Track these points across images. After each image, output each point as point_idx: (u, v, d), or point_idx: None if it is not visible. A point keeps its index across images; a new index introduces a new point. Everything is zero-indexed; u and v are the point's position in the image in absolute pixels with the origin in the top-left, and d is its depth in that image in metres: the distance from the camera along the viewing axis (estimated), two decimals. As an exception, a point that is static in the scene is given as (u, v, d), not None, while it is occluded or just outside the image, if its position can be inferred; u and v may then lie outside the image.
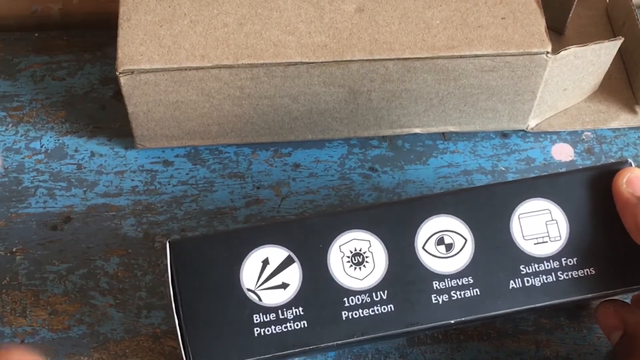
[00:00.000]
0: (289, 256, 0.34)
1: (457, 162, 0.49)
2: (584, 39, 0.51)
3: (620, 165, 0.37)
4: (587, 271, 0.35)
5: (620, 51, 0.52)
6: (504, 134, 0.50)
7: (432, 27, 0.45)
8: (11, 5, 0.54)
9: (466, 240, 0.35)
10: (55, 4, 0.55)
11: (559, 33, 0.53)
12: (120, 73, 0.43)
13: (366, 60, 0.44)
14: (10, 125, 0.50)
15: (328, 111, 0.47)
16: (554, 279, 0.35)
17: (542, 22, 0.45)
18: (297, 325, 0.33)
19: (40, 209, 0.46)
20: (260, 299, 0.34)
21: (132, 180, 0.47)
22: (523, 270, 0.35)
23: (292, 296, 0.34)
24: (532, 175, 0.48)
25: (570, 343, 0.42)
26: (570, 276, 0.35)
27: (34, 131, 0.49)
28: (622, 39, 0.47)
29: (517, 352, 0.42)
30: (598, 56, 0.47)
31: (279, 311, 0.34)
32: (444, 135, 0.50)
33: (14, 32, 0.54)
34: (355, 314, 0.34)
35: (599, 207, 0.36)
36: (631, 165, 0.37)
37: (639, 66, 0.50)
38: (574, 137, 0.50)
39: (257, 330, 0.33)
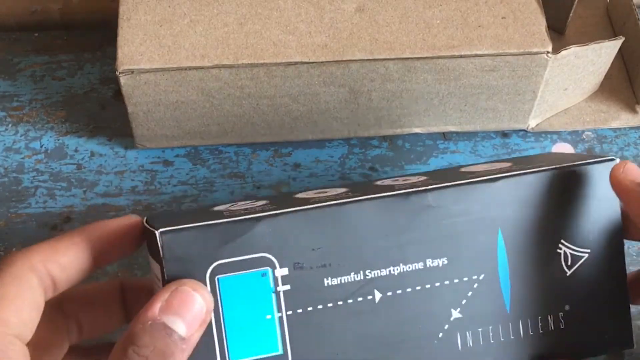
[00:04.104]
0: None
1: (457, 162, 0.49)
2: (584, 39, 0.51)
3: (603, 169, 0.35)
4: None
5: (620, 51, 0.52)
6: (505, 134, 0.50)
7: (433, 26, 0.45)
8: (11, 5, 0.54)
9: None
10: (55, 4, 0.55)
11: (560, 33, 0.53)
12: (120, 73, 0.43)
13: (366, 60, 0.44)
14: (10, 125, 0.50)
15: (328, 111, 0.47)
16: None
17: (542, 22, 0.45)
18: (263, 204, 0.33)
19: (40, 209, 0.46)
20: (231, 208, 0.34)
21: (132, 180, 0.47)
22: None
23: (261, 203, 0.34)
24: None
25: (571, 343, 0.42)
26: None
27: (34, 131, 0.49)
28: (623, 39, 0.47)
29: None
30: (598, 56, 0.47)
31: (247, 206, 0.34)
32: (444, 135, 0.50)
33: (14, 32, 0.54)
34: (318, 197, 0.34)
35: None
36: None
37: (639, 66, 0.50)
38: (574, 137, 0.50)
39: (225, 213, 0.33)
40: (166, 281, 0.31)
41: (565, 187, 0.35)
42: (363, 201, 0.33)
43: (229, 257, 0.31)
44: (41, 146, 0.49)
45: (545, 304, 0.34)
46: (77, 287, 0.32)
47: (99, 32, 0.54)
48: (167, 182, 0.47)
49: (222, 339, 0.31)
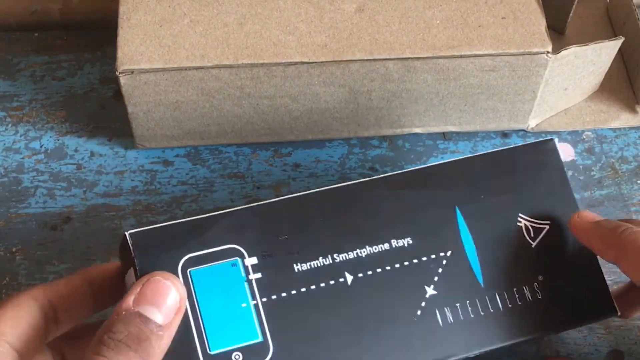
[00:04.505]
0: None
1: (457, 162, 0.49)
2: (584, 39, 0.51)
3: (544, 147, 0.38)
4: None
5: (620, 51, 0.52)
6: (505, 134, 0.50)
7: (433, 26, 0.45)
8: (11, 5, 0.54)
9: None
10: (55, 4, 0.55)
11: (560, 33, 0.53)
12: (120, 73, 0.43)
13: (366, 60, 0.44)
14: (10, 125, 0.50)
15: (328, 111, 0.47)
16: None
17: (542, 22, 0.45)
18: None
19: (40, 209, 0.46)
20: None
21: (132, 180, 0.47)
22: None
23: None
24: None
25: (571, 343, 0.42)
26: None
27: (34, 131, 0.49)
28: (623, 39, 0.47)
29: (517, 352, 0.42)
30: (598, 56, 0.47)
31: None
32: (444, 135, 0.50)
33: (14, 32, 0.54)
34: None
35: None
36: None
37: (639, 66, 0.50)
38: (574, 137, 0.50)
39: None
40: (139, 277, 0.31)
41: (512, 167, 0.37)
42: (320, 192, 0.35)
43: (198, 250, 0.33)
44: (41, 146, 0.49)
45: (517, 275, 0.35)
46: (49, 283, 0.34)
47: (99, 32, 0.54)
48: (167, 182, 0.47)
49: (201, 332, 0.32)
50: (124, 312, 0.30)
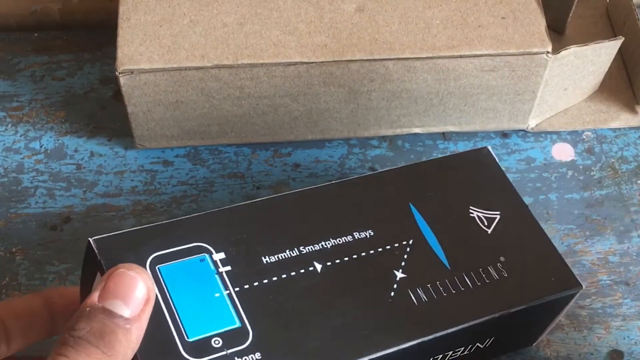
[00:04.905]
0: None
1: (457, 162, 0.49)
2: (584, 39, 0.51)
3: (479, 153, 0.40)
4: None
5: (620, 51, 0.52)
6: (504, 134, 0.50)
7: (432, 27, 0.45)
8: (11, 5, 0.54)
9: None
10: (55, 4, 0.55)
11: (559, 33, 0.53)
12: (120, 73, 0.43)
13: (366, 60, 0.44)
14: (10, 125, 0.50)
15: (328, 111, 0.47)
16: None
17: (542, 22, 0.45)
18: None
19: (39, 209, 0.46)
20: None
21: (132, 180, 0.47)
22: None
23: None
24: (533, 175, 0.48)
25: (571, 343, 0.42)
26: None
27: (34, 131, 0.49)
28: (623, 39, 0.47)
29: (517, 352, 0.42)
30: (598, 56, 0.47)
31: None
32: (444, 135, 0.50)
33: (13, 32, 0.54)
34: None
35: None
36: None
37: (639, 66, 0.50)
38: (574, 137, 0.50)
39: None
40: None
41: (455, 170, 0.39)
42: (279, 197, 0.36)
43: (165, 249, 0.33)
44: (41, 146, 0.49)
45: (480, 257, 0.37)
46: (4, 301, 0.33)
47: (99, 32, 0.54)
48: (167, 182, 0.47)
49: (177, 323, 0.31)
50: (88, 309, 0.28)
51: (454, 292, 0.35)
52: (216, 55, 0.43)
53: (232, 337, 0.32)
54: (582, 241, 0.46)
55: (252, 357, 0.31)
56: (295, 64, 0.43)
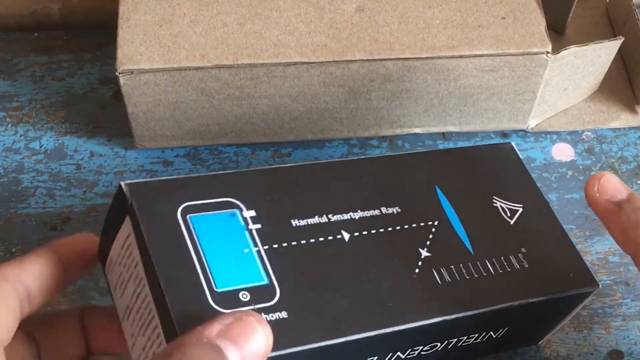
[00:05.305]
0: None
1: (457, 162, 0.49)
2: (584, 39, 0.51)
3: (503, 148, 0.41)
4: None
5: (620, 51, 0.52)
6: (504, 134, 0.50)
7: (432, 27, 0.45)
8: (11, 5, 0.54)
9: None
10: (55, 4, 0.55)
11: (559, 33, 0.53)
12: (119, 73, 0.43)
13: (366, 60, 0.44)
14: (10, 125, 0.50)
15: (328, 111, 0.47)
16: None
17: (542, 22, 0.45)
18: None
19: (39, 209, 0.46)
20: None
21: (132, 180, 0.47)
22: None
23: None
24: (533, 175, 0.48)
25: (570, 343, 0.42)
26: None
27: (34, 131, 0.49)
28: (623, 39, 0.47)
29: (517, 352, 0.42)
30: (598, 56, 0.47)
31: None
32: (444, 135, 0.50)
33: (13, 32, 0.54)
34: None
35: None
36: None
37: (639, 66, 0.50)
38: (574, 137, 0.50)
39: None
40: (139, 223, 0.31)
41: (479, 161, 0.40)
42: (313, 164, 0.36)
43: (196, 200, 0.32)
44: (41, 146, 0.49)
45: (503, 246, 0.37)
46: (38, 311, 0.32)
47: (99, 32, 0.54)
48: (167, 182, 0.47)
49: (206, 272, 0.31)
50: (204, 340, 0.27)
51: (476, 276, 0.35)
52: (216, 55, 0.43)
53: (259, 293, 0.31)
54: (582, 241, 0.46)
55: (278, 315, 0.31)
56: (295, 64, 0.43)
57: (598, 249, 0.45)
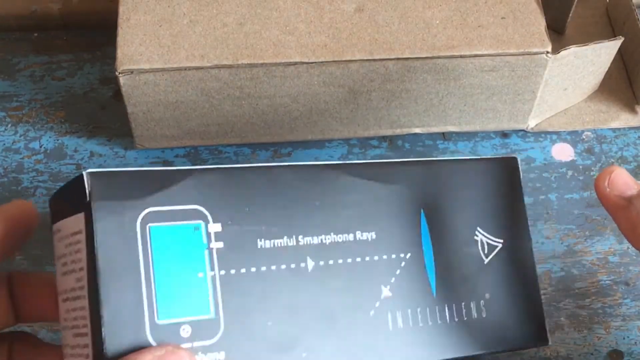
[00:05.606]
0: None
1: (457, 162, 0.49)
2: (584, 39, 0.51)
3: (506, 164, 0.38)
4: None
5: (620, 51, 0.52)
6: (504, 134, 0.50)
7: (432, 27, 0.45)
8: (11, 5, 0.54)
9: None
10: (54, 4, 0.55)
11: (559, 33, 0.53)
12: (119, 73, 0.43)
13: (366, 60, 0.44)
14: (10, 125, 0.50)
15: (328, 111, 0.47)
16: None
17: (542, 22, 0.45)
18: None
19: (39, 209, 0.46)
20: None
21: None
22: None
23: None
24: (532, 175, 0.48)
25: (570, 343, 0.42)
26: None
27: (34, 131, 0.49)
28: (623, 39, 0.47)
29: (517, 352, 0.42)
30: (598, 56, 0.47)
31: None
32: (444, 135, 0.50)
33: (13, 32, 0.54)
34: None
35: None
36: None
37: (639, 66, 0.50)
38: (574, 137, 0.50)
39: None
40: (90, 225, 0.28)
41: (475, 179, 0.37)
42: (294, 167, 0.33)
43: (162, 205, 0.30)
44: (40, 146, 0.49)
45: (468, 289, 0.35)
46: None
47: (99, 32, 0.54)
48: (167, 182, 0.47)
49: (152, 296, 0.29)
50: None
51: (430, 323, 0.34)
52: (216, 55, 0.43)
53: (202, 328, 0.30)
54: (582, 241, 0.46)
55: (215, 356, 0.30)
56: (295, 64, 0.43)
57: (598, 249, 0.45)
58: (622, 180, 0.35)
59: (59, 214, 0.31)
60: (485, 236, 0.37)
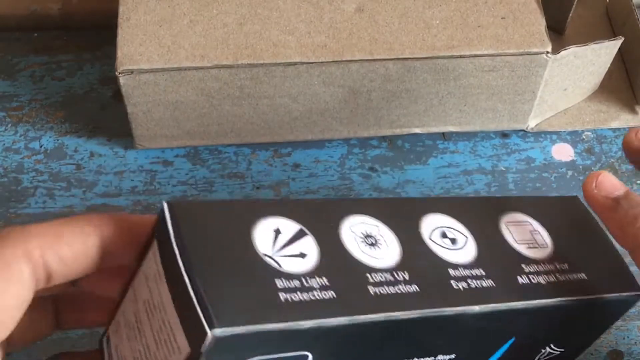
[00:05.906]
0: (301, 229, 0.30)
1: (457, 162, 0.49)
2: (584, 39, 0.51)
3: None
4: (579, 276, 0.35)
5: (620, 51, 0.52)
6: (504, 134, 0.50)
7: (432, 27, 0.45)
8: (11, 5, 0.54)
9: (467, 237, 0.35)
10: (54, 4, 0.55)
11: (559, 33, 0.53)
12: (119, 73, 0.43)
13: (366, 60, 0.44)
14: (10, 125, 0.50)
15: (328, 111, 0.47)
16: (555, 279, 0.35)
17: (542, 22, 0.45)
18: (325, 294, 0.29)
19: (39, 209, 0.46)
20: (280, 265, 0.29)
21: (132, 180, 0.47)
22: (526, 269, 0.34)
23: (313, 266, 0.30)
24: (533, 175, 0.48)
25: (571, 343, 0.42)
26: (566, 278, 0.35)
27: (34, 131, 0.49)
28: (622, 39, 0.47)
29: (517, 353, 0.42)
30: (598, 56, 0.47)
31: (303, 279, 0.29)
32: (444, 135, 0.50)
33: (13, 32, 0.54)
34: (382, 290, 0.30)
35: (574, 222, 0.36)
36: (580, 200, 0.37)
37: (639, 66, 0.50)
38: (574, 137, 0.50)
39: (282, 296, 0.28)
40: None
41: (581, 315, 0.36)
42: (413, 320, 0.31)
43: (268, 354, 0.28)
44: (40, 146, 0.49)
45: None
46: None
47: (99, 32, 0.54)
48: (167, 182, 0.47)
49: None
50: None
51: None
52: (216, 55, 0.43)
53: None
54: (582, 241, 0.46)
55: None
56: (295, 64, 0.43)
57: (598, 249, 0.45)
58: (609, 182, 0.35)
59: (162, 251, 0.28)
60: (552, 349, 0.37)
